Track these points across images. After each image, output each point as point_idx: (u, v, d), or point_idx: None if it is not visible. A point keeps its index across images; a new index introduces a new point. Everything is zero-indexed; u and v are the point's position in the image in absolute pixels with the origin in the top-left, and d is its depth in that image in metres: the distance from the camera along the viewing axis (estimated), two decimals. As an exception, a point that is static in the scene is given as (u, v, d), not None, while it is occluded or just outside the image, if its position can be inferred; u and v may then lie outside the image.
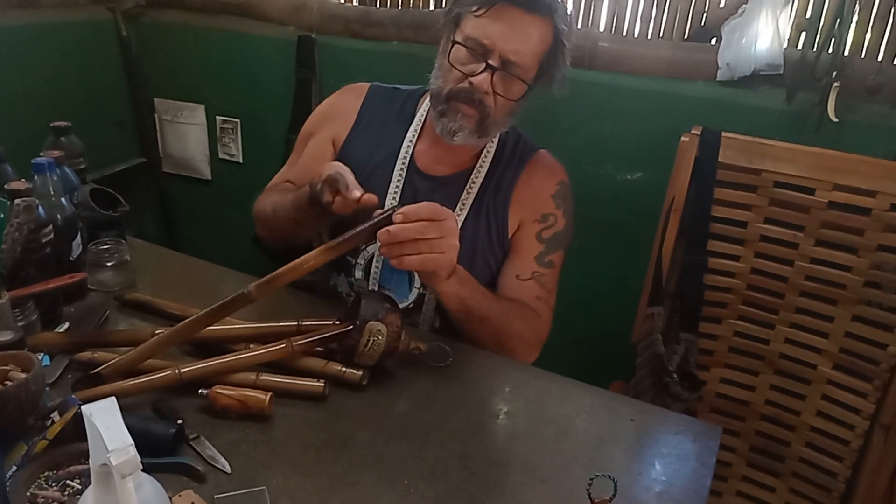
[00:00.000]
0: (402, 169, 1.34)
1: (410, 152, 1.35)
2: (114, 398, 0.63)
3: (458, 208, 1.32)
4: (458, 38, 1.22)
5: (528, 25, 1.19)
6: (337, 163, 1.13)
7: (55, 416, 0.86)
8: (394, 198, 1.34)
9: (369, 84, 1.44)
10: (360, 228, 1.06)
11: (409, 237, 1.02)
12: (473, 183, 1.33)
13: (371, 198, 1.07)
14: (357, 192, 1.06)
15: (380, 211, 1.06)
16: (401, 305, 1.32)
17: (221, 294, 1.39)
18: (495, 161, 1.35)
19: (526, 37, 1.19)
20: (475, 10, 1.19)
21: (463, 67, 1.21)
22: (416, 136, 1.35)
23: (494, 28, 1.18)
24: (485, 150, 1.34)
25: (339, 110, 1.42)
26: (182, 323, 1.07)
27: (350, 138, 1.39)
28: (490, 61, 1.18)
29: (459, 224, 1.31)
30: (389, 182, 1.34)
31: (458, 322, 1.24)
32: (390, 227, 1.02)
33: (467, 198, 1.33)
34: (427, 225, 1.02)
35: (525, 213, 1.34)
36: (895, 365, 1.58)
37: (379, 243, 1.04)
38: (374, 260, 1.33)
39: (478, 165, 1.34)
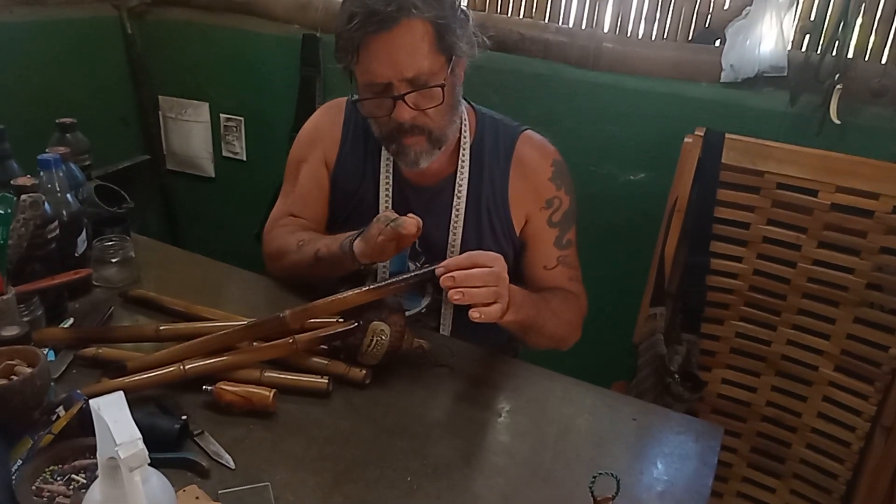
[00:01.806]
0: (387, 180, 1.33)
1: (392, 163, 1.32)
2: (122, 392, 0.64)
3: (453, 215, 1.31)
4: (360, 90, 1.21)
5: (399, 39, 1.12)
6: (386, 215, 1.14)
7: (60, 410, 0.86)
8: (386, 207, 1.32)
9: (346, 98, 1.40)
10: (403, 277, 1.09)
11: (473, 284, 1.03)
12: (461, 186, 1.31)
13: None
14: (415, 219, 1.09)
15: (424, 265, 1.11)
16: (414, 311, 1.32)
17: (225, 291, 1.42)
18: (477, 157, 1.32)
19: (406, 49, 1.13)
20: (352, 60, 1.17)
21: (379, 111, 1.19)
22: None
23: (376, 64, 1.14)
24: (461, 149, 1.31)
25: (324, 131, 1.39)
26: (214, 336, 1.08)
27: (340, 157, 1.37)
28: (395, 93, 1.15)
29: (459, 230, 1.32)
30: (379, 197, 1.33)
31: (516, 336, 1.26)
32: (454, 274, 1.03)
33: (459, 203, 1.31)
34: (488, 273, 1.03)
35: (529, 206, 1.33)
36: (897, 367, 1.59)
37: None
38: (381, 268, 1.33)
39: (458, 168, 1.31)
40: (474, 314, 1.04)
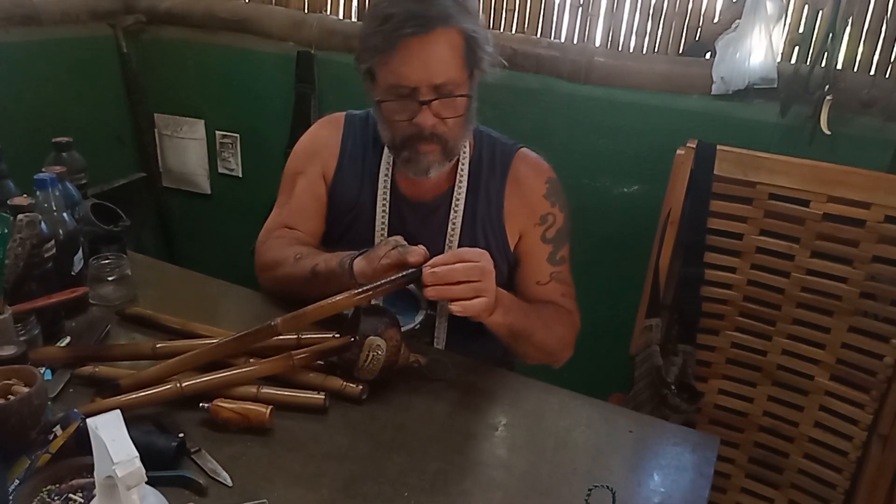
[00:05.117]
0: (384, 197, 1.33)
1: (390, 179, 1.33)
2: (118, 411, 0.64)
3: (449, 231, 1.32)
4: (382, 92, 1.21)
5: (434, 44, 1.14)
6: (394, 239, 1.15)
7: (58, 429, 0.86)
8: (382, 227, 1.33)
9: (344, 113, 1.41)
10: (391, 279, 1.09)
11: (455, 279, 1.03)
12: (458, 201, 1.32)
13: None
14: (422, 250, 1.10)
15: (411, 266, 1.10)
16: (408, 327, 1.33)
17: (221, 308, 1.42)
18: (475, 174, 1.33)
19: (438, 56, 1.15)
20: (380, 60, 1.17)
21: (402, 115, 1.19)
22: (391, 162, 1.33)
23: (407, 67, 1.14)
24: (459, 166, 1.32)
25: (322, 145, 1.39)
26: (207, 347, 1.08)
27: (338, 171, 1.37)
28: (422, 98, 1.16)
29: (455, 246, 1.32)
30: (376, 212, 1.34)
31: (507, 344, 1.26)
32: (436, 269, 1.03)
33: (456, 218, 1.32)
34: (471, 267, 1.04)
35: (524, 223, 1.34)
36: (892, 375, 1.59)
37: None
38: None
39: (456, 184, 1.32)
40: (455, 307, 1.04)
